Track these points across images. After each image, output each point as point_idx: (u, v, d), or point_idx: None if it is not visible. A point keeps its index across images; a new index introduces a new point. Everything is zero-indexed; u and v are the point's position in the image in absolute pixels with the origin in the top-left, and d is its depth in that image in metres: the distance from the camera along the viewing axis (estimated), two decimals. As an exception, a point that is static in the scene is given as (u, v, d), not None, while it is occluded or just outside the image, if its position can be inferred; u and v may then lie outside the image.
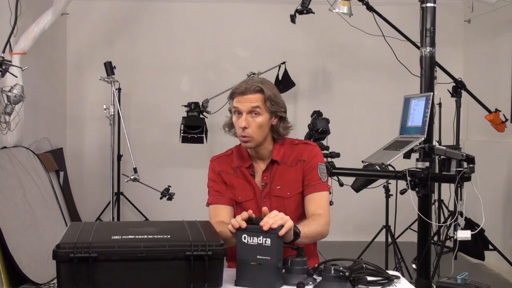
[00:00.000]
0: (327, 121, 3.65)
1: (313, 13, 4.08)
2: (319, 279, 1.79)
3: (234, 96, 2.15)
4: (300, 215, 2.19)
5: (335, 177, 3.57)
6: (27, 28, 4.19)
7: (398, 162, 3.32)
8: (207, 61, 5.91)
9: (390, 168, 3.35)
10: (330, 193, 2.22)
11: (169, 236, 1.70)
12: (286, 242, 1.85)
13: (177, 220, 1.95)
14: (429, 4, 3.55)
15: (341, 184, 3.61)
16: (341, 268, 1.72)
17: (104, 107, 4.49)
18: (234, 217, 2.12)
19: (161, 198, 4.65)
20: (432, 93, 3.44)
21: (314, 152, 2.21)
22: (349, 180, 3.66)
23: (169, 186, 4.66)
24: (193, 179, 5.75)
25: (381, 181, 3.75)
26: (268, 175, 2.19)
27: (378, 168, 3.35)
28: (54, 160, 4.89)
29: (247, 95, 2.12)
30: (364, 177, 3.56)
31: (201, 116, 5.21)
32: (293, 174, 2.18)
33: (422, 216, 3.38)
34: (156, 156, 5.85)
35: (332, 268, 1.73)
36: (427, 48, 3.56)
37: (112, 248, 1.62)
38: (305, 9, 4.05)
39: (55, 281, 1.65)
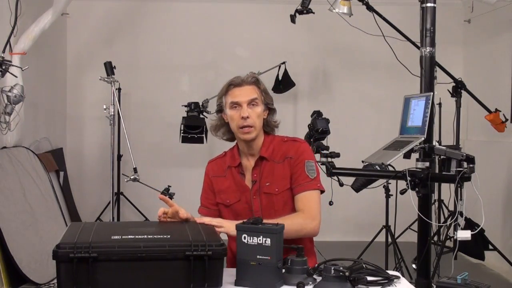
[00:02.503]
0: (327, 121, 3.65)
1: (313, 13, 4.08)
2: (319, 279, 1.79)
3: (229, 89, 2.19)
4: (289, 212, 2.18)
5: (335, 177, 3.57)
6: (27, 28, 4.19)
7: (398, 162, 3.32)
8: (207, 61, 5.91)
9: (390, 168, 3.35)
10: (322, 191, 2.19)
11: (169, 236, 1.70)
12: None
13: (177, 220, 1.96)
14: (429, 4, 3.54)
15: (341, 184, 3.60)
16: (341, 268, 1.72)
17: (104, 107, 4.50)
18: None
19: (161, 198, 4.64)
20: (432, 93, 3.44)
21: (301, 149, 2.19)
22: (349, 180, 3.66)
23: (169, 186, 4.65)
24: (193, 179, 5.70)
25: (381, 181, 3.74)
26: (258, 172, 2.20)
27: (378, 168, 3.34)
28: (54, 160, 4.89)
29: (244, 87, 2.17)
30: (364, 177, 3.56)
31: (201, 116, 5.21)
32: (281, 170, 2.18)
33: (422, 216, 3.38)
34: (156, 156, 5.85)
35: (332, 268, 1.73)
36: (427, 48, 3.56)
37: (112, 248, 1.62)
38: (305, 9, 4.05)
39: (55, 281, 1.65)
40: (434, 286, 2.80)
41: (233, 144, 2.32)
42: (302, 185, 2.14)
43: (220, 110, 2.25)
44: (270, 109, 2.24)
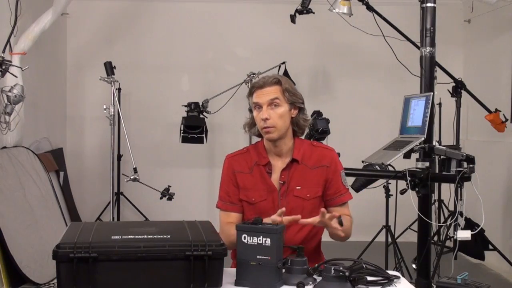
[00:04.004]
0: (327, 121, 3.65)
1: (313, 13, 4.08)
2: (319, 279, 1.79)
3: (253, 91, 2.20)
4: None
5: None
6: (27, 28, 4.19)
7: (398, 162, 3.32)
8: (207, 61, 5.91)
9: (390, 168, 3.35)
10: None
11: (169, 236, 1.70)
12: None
13: (177, 220, 1.96)
14: (429, 4, 3.55)
15: (341, 184, 3.60)
16: (341, 268, 1.72)
17: (104, 107, 4.49)
18: (244, 219, 2.19)
19: (161, 198, 4.65)
20: (432, 93, 3.44)
21: (335, 159, 2.25)
22: (349, 180, 3.65)
23: (169, 186, 4.65)
24: (193, 179, 5.76)
25: (381, 181, 3.74)
26: (287, 173, 2.19)
27: (378, 168, 3.34)
28: (54, 160, 4.89)
29: (265, 88, 2.17)
30: (364, 177, 3.56)
31: (201, 116, 5.21)
32: (315, 177, 2.19)
33: (422, 216, 3.38)
34: (156, 156, 5.85)
35: (332, 268, 1.73)
36: (427, 48, 3.56)
37: (112, 248, 1.62)
38: (305, 9, 4.05)
39: (55, 281, 1.65)
40: (434, 286, 2.80)
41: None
42: (343, 195, 2.24)
43: (250, 109, 2.27)
44: (300, 108, 2.23)
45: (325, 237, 2.24)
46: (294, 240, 2.09)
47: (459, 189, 3.18)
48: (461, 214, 3.56)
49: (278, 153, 2.21)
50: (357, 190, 3.67)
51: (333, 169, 2.21)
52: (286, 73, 5.35)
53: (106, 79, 4.51)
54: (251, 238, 1.78)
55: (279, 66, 5.32)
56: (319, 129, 3.58)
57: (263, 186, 2.20)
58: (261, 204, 2.18)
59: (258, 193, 2.19)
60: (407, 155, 3.36)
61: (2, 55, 3.66)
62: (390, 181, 3.88)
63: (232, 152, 2.30)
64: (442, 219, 4.97)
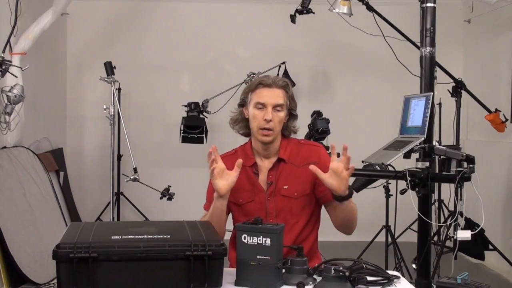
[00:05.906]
0: (327, 121, 3.66)
1: (313, 13, 4.09)
2: (319, 279, 1.79)
3: (258, 88, 2.14)
4: (307, 217, 2.19)
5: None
6: (27, 28, 4.19)
7: (398, 162, 3.32)
8: (207, 61, 5.91)
9: (390, 168, 3.35)
10: None
11: (169, 236, 1.70)
12: (340, 196, 2.00)
13: (177, 220, 1.95)
14: (429, 4, 3.54)
15: (341, 184, 3.60)
16: (341, 268, 1.72)
17: (104, 107, 4.49)
18: (234, 222, 2.16)
19: (161, 198, 4.65)
20: (432, 93, 3.44)
21: (324, 155, 2.21)
22: (349, 180, 3.65)
23: (169, 186, 4.66)
24: (193, 179, 5.74)
25: (381, 181, 3.74)
26: (274, 173, 2.18)
27: (378, 168, 3.34)
28: (54, 160, 4.89)
29: (273, 88, 2.14)
30: (364, 177, 3.56)
31: (201, 116, 5.21)
32: (302, 175, 2.16)
33: (422, 216, 3.38)
34: (156, 156, 5.85)
35: (332, 268, 1.73)
36: (427, 48, 3.56)
37: (112, 248, 1.62)
38: (305, 9, 4.05)
39: (55, 281, 1.65)
40: (434, 286, 2.80)
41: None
42: None
43: (242, 104, 2.21)
44: (292, 115, 2.22)
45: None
46: (284, 241, 2.07)
47: (459, 189, 3.18)
48: (461, 214, 3.56)
49: (266, 155, 2.20)
50: (357, 190, 3.66)
51: (322, 165, 2.13)
52: (286, 73, 5.36)
53: (106, 79, 4.51)
54: (251, 238, 1.78)
55: (279, 66, 5.32)
56: (319, 129, 3.59)
57: (250, 187, 2.18)
58: (249, 205, 2.17)
59: (245, 195, 2.17)
60: (407, 155, 3.36)
61: (2, 55, 3.67)
62: (390, 181, 3.88)
63: (221, 154, 2.27)
64: (442, 219, 4.97)
